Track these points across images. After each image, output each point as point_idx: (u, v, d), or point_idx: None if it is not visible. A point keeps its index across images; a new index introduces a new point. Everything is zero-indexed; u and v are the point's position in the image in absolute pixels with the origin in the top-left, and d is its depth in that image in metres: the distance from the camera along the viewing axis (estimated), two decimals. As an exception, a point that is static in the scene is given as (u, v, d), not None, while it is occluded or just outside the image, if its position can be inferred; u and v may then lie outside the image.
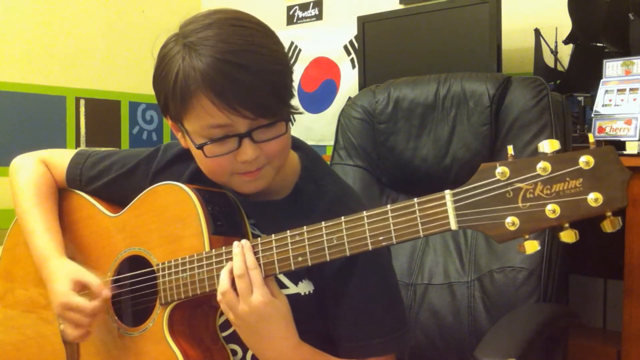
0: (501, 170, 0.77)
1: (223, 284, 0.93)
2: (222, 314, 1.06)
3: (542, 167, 0.75)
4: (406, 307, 1.50)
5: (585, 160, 0.73)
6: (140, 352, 1.05)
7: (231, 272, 0.93)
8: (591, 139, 0.75)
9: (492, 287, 1.42)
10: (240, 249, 0.93)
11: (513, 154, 0.78)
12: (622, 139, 1.67)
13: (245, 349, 1.06)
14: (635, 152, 1.63)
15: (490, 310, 1.40)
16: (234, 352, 1.06)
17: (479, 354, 1.09)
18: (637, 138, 1.65)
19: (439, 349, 1.45)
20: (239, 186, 1.01)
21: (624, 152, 1.64)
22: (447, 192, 0.81)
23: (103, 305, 1.06)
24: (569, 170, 0.74)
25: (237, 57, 0.91)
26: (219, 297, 0.95)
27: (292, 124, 2.96)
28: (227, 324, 1.06)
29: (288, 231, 0.92)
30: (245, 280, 0.91)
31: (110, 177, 1.19)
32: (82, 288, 1.08)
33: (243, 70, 0.91)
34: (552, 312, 1.35)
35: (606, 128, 1.72)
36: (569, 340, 1.48)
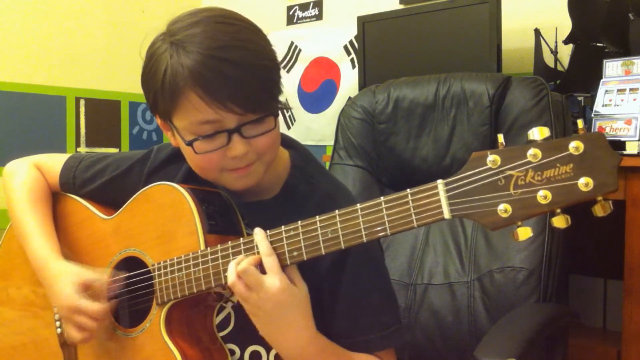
0: (492, 159, 0.77)
1: (240, 266, 0.91)
2: (219, 313, 1.06)
3: (533, 154, 0.75)
4: (406, 307, 1.50)
5: (575, 146, 0.73)
6: (139, 352, 1.05)
7: (249, 257, 0.92)
8: (580, 124, 0.75)
9: (492, 287, 1.42)
10: (262, 234, 0.92)
11: (504, 142, 0.79)
12: (622, 139, 1.66)
13: (243, 348, 1.05)
14: (635, 152, 1.63)
15: (490, 310, 1.40)
16: (232, 352, 1.05)
17: (479, 354, 1.09)
18: (637, 138, 1.65)
19: (439, 349, 1.45)
20: (230, 183, 1.01)
21: (624, 152, 1.64)
22: (440, 182, 0.81)
23: (109, 308, 1.06)
24: (559, 156, 0.74)
25: (224, 53, 0.91)
26: (231, 286, 0.93)
27: (292, 124, 2.97)
28: (224, 324, 1.06)
29: (283, 226, 0.92)
30: (271, 260, 0.91)
31: (105, 179, 1.19)
32: (87, 288, 1.08)
33: (230, 66, 0.91)
34: (552, 312, 1.35)
35: (606, 128, 1.72)
36: (569, 340, 1.48)
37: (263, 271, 0.91)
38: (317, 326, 0.97)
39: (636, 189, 1.54)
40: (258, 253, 0.92)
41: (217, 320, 1.06)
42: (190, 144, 0.96)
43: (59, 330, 1.16)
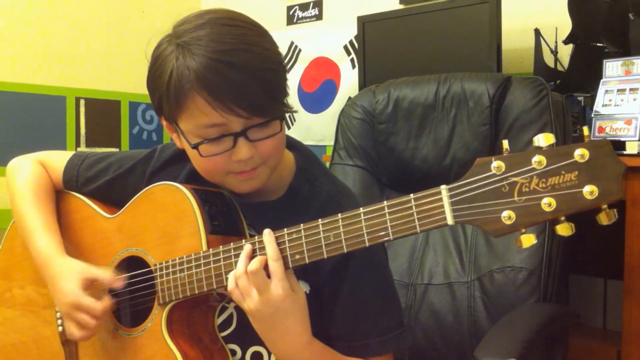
0: (496, 165, 0.77)
1: (251, 265, 0.91)
2: (220, 313, 1.06)
3: (538, 160, 0.74)
4: (406, 307, 1.50)
5: (580, 154, 0.73)
6: (139, 352, 1.05)
7: (249, 257, 0.92)
8: (585, 132, 0.75)
9: (492, 287, 1.42)
10: (271, 236, 0.92)
11: (508, 148, 0.78)
12: (622, 139, 1.66)
13: (245, 349, 1.05)
14: (635, 152, 1.63)
15: (490, 310, 1.40)
16: (233, 352, 1.05)
17: (479, 354, 1.09)
18: (637, 138, 1.65)
19: (439, 349, 1.45)
20: (234, 186, 1.01)
21: (624, 152, 1.64)
22: (443, 187, 0.81)
23: (111, 306, 1.06)
24: (564, 163, 0.73)
25: (230, 56, 0.91)
26: (232, 283, 0.93)
27: (292, 124, 2.97)
28: (226, 324, 1.06)
29: (285, 229, 0.92)
30: (277, 265, 0.90)
31: (107, 178, 1.19)
32: (91, 284, 1.08)
33: (236, 69, 0.91)
34: (552, 312, 1.35)
35: (606, 128, 1.72)
36: (569, 340, 1.48)
37: (267, 274, 0.91)
38: (316, 327, 0.97)
39: (636, 189, 1.54)
40: (263, 254, 0.92)
41: (219, 320, 1.06)
42: (195, 147, 0.96)
43: (60, 328, 1.16)
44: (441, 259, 1.52)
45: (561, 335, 1.41)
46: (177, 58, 0.92)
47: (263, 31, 0.98)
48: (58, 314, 1.17)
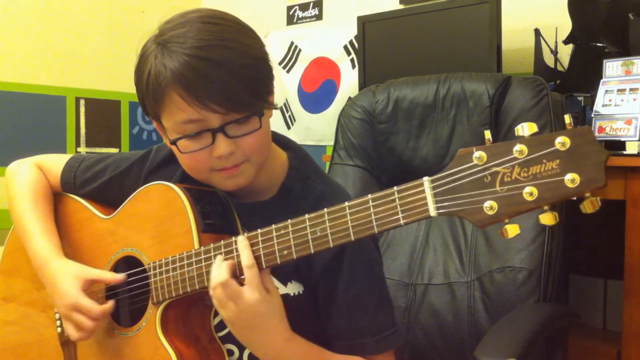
0: (478, 155, 0.77)
1: (219, 276, 0.92)
2: (216, 314, 1.05)
3: (519, 150, 0.74)
4: (406, 307, 1.50)
5: (562, 142, 0.72)
6: (135, 351, 1.05)
7: (228, 266, 0.93)
8: (567, 119, 0.74)
9: (492, 287, 1.42)
10: (246, 242, 0.93)
11: (490, 138, 0.78)
12: (622, 139, 1.66)
13: (242, 349, 1.05)
14: (635, 152, 1.63)
15: (490, 310, 1.40)
16: (231, 352, 1.05)
17: (479, 354, 1.09)
18: (637, 138, 1.65)
19: (439, 349, 1.45)
20: (220, 183, 1.02)
21: (624, 152, 1.64)
22: (426, 179, 0.81)
23: (110, 309, 1.07)
24: (545, 152, 0.73)
25: (206, 52, 0.92)
26: (211, 291, 0.94)
27: (292, 124, 2.97)
28: (222, 325, 1.06)
29: (273, 225, 0.92)
30: (251, 273, 0.91)
31: (104, 179, 1.19)
32: (89, 286, 1.09)
33: (212, 65, 0.91)
34: (552, 312, 1.35)
35: (606, 128, 1.72)
36: (569, 340, 1.48)
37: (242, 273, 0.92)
38: (314, 328, 0.97)
39: (636, 189, 1.54)
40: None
41: (216, 320, 1.06)
42: (174, 142, 0.97)
43: (59, 329, 1.16)
44: (441, 259, 1.52)
45: (561, 335, 1.41)
46: (156, 56, 0.94)
47: (244, 28, 0.98)
48: (57, 315, 1.18)
